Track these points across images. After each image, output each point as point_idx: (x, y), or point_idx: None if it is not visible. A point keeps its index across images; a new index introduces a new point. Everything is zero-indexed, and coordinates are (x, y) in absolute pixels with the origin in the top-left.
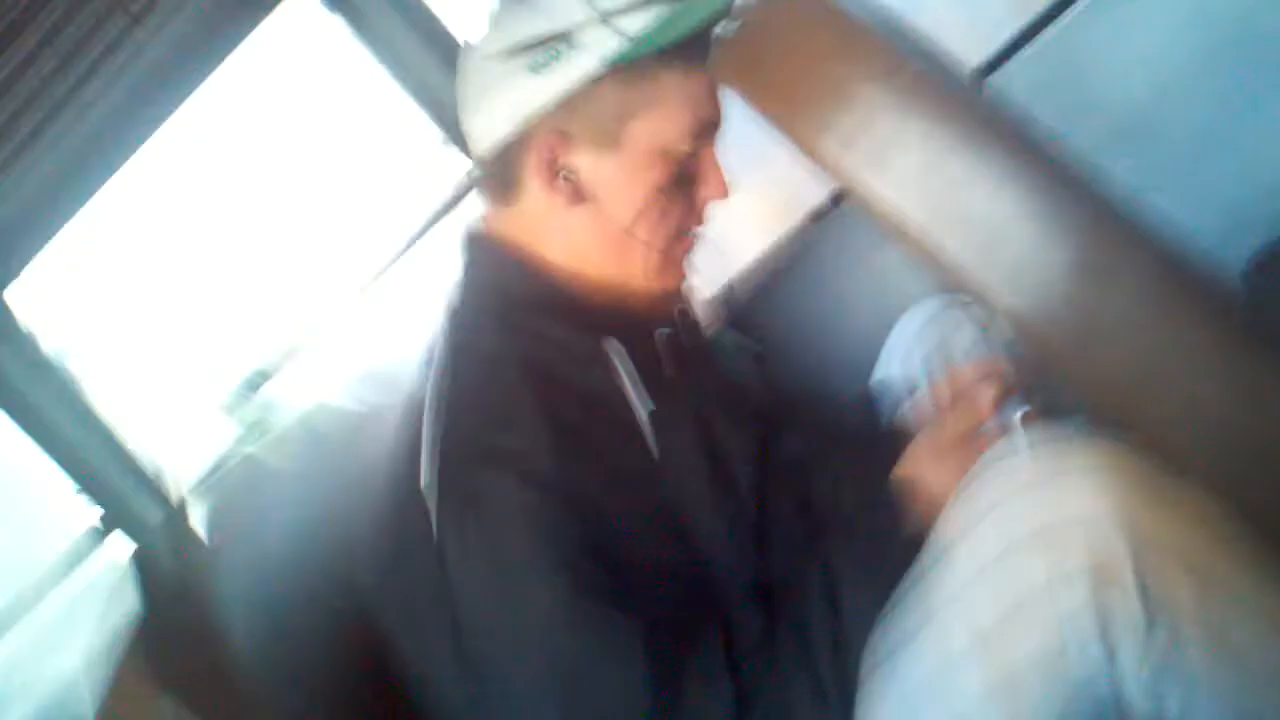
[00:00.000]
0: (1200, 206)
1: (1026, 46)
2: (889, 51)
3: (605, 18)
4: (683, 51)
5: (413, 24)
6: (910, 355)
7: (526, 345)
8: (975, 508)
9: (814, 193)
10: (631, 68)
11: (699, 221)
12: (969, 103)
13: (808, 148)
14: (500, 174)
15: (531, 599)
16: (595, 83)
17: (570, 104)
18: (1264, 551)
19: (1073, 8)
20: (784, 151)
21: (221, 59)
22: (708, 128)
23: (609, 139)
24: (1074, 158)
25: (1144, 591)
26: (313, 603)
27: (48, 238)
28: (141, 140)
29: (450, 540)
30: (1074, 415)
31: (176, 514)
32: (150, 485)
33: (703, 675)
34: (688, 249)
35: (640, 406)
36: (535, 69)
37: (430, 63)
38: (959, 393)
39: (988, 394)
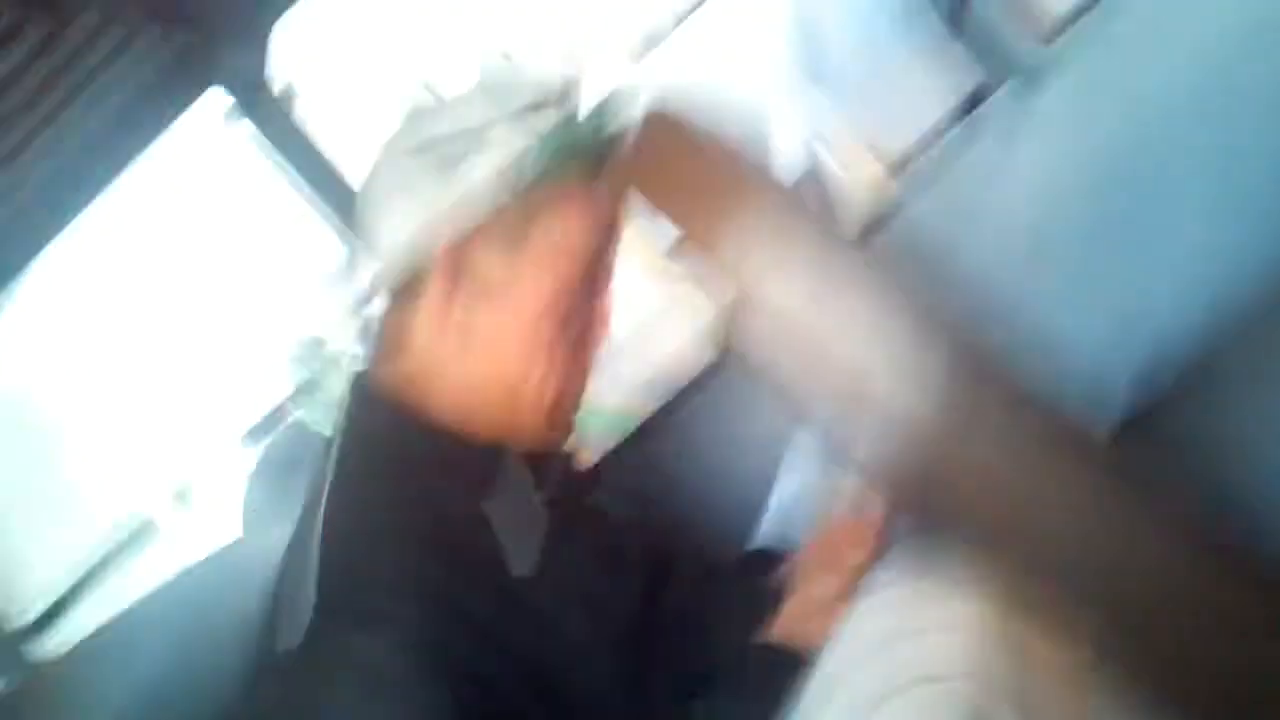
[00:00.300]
0: (1068, 364)
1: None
2: (767, 190)
3: (513, 117)
4: (587, 160)
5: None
6: (790, 515)
7: (399, 504)
8: (845, 660)
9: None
10: (537, 170)
11: (589, 376)
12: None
13: (704, 269)
14: (388, 321)
15: None
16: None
17: (478, 202)
18: (1132, 691)
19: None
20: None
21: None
22: (594, 277)
23: (513, 238)
24: (946, 306)
25: None
26: None
27: None
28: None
29: (312, 703)
30: (944, 562)
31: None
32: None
33: None
34: (577, 406)
35: (520, 567)
36: (443, 167)
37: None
38: (830, 553)
39: (857, 554)
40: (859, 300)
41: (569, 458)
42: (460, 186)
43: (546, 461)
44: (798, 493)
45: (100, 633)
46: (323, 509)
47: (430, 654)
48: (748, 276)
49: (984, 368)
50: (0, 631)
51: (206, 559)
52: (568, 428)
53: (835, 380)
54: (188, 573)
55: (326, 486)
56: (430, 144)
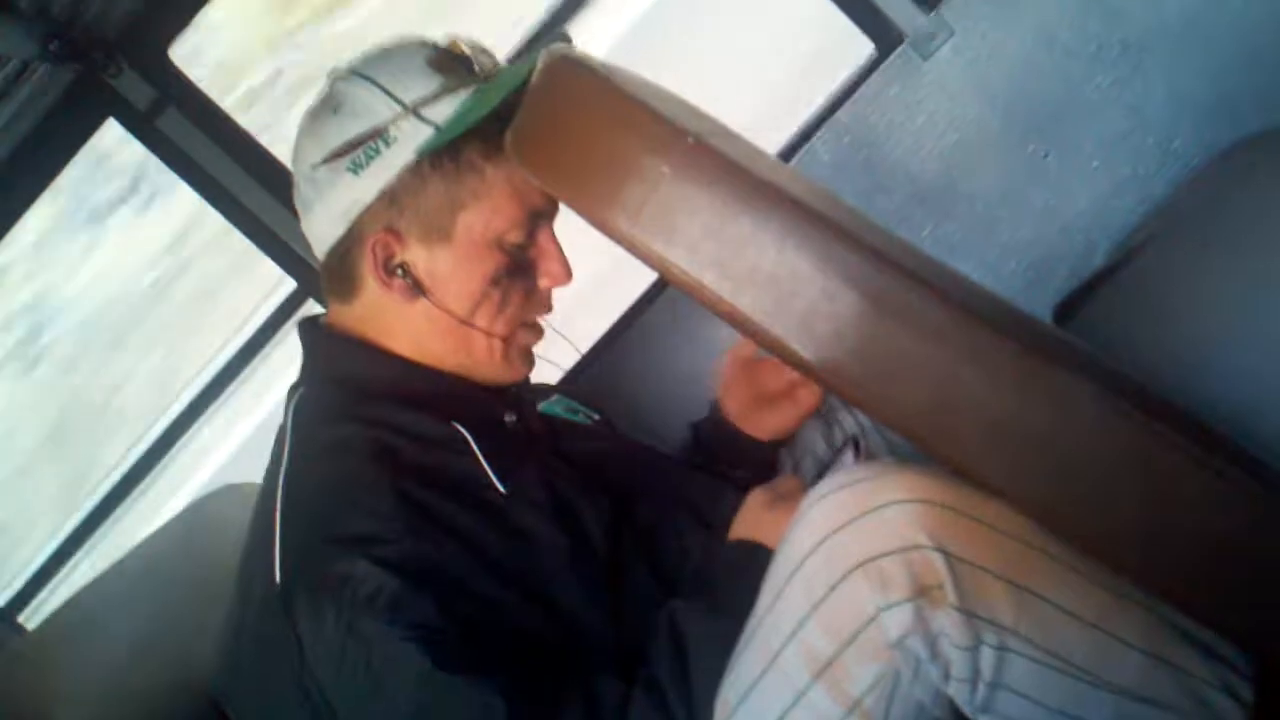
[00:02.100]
0: (1001, 263)
1: (823, 127)
2: (665, 123)
3: (413, 110)
4: (503, 141)
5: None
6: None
7: (373, 432)
8: (801, 548)
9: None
10: (456, 161)
11: (544, 308)
12: (747, 167)
13: (598, 222)
14: (339, 273)
15: (397, 679)
16: (421, 177)
17: (398, 201)
18: (1070, 557)
19: (861, 87)
20: None
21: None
22: (541, 215)
23: (441, 233)
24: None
25: (965, 610)
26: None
27: None
28: None
29: (308, 632)
30: (890, 450)
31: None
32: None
33: None
34: (534, 338)
35: (497, 485)
36: (356, 169)
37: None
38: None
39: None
40: (763, 218)
41: (527, 382)
42: (375, 184)
43: (510, 390)
44: None
45: (85, 595)
46: (289, 446)
47: (418, 568)
48: (641, 248)
49: (908, 261)
50: None
51: (186, 510)
52: (527, 361)
53: (754, 292)
54: (168, 527)
55: (290, 424)
56: (338, 150)
